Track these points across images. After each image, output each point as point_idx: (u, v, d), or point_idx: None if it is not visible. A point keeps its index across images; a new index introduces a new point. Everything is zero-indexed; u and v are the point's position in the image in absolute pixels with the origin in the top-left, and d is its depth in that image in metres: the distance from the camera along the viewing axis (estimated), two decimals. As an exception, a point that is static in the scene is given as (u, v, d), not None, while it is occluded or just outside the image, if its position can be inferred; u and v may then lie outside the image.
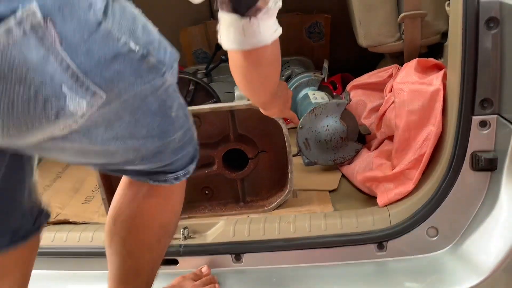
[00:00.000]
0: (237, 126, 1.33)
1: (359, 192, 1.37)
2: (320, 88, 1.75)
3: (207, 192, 1.39)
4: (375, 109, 1.52)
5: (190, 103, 1.81)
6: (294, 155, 1.63)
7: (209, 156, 1.34)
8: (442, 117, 1.15)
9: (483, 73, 1.05)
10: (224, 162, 1.35)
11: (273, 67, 0.93)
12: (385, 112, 1.34)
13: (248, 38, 0.81)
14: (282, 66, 2.19)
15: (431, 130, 1.15)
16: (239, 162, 1.37)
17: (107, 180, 1.30)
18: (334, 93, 2.06)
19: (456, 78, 1.09)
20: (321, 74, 1.76)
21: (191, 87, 1.79)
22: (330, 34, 2.27)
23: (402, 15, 1.44)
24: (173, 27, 2.34)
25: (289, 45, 2.29)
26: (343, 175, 1.47)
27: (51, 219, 0.97)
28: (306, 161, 1.51)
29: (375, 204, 1.26)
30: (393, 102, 1.31)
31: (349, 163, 1.47)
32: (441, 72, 1.18)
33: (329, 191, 1.39)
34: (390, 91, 1.36)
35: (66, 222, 1.36)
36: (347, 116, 1.45)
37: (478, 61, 1.05)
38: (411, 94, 1.18)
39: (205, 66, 2.25)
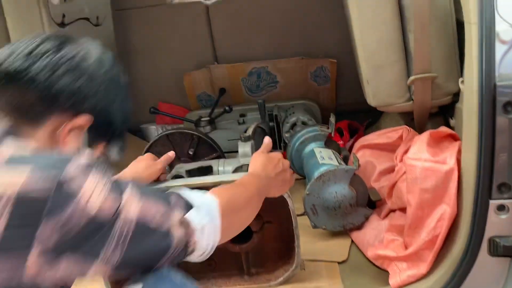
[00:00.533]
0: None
1: (370, 264, 1.32)
2: (327, 143, 1.71)
3: (210, 263, 1.34)
4: (385, 171, 1.46)
5: (193, 157, 1.77)
6: (300, 215, 1.58)
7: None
8: (456, 197, 1.09)
9: (501, 157, 1.00)
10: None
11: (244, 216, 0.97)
12: (396, 182, 1.29)
13: None
14: (286, 111, 2.16)
15: (446, 210, 1.10)
16: (243, 232, 1.32)
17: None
18: (341, 142, 2.02)
19: (472, 160, 1.04)
20: (328, 128, 1.72)
21: (194, 140, 1.75)
22: (336, 77, 2.23)
23: (412, 78, 1.40)
24: (177, 71, 2.31)
25: (294, 87, 2.26)
26: (352, 241, 1.42)
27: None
28: (313, 224, 1.46)
29: (386, 279, 1.20)
30: (404, 173, 1.26)
31: (359, 228, 1.42)
32: (455, 149, 1.14)
33: (339, 263, 1.34)
34: (401, 160, 1.31)
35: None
36: (356, 181, 1.40)
37: (495, 145, 1.01)
38: (424, 172, 1.13)
39: (209, 110, 2.21)
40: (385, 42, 1.42)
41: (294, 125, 2.04)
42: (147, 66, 2.35)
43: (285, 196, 1.21)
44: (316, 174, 1.43)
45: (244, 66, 2.23)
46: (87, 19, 1.85)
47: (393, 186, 1.31)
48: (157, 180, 1.27)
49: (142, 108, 2.42)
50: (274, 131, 2.07)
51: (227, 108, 2.01)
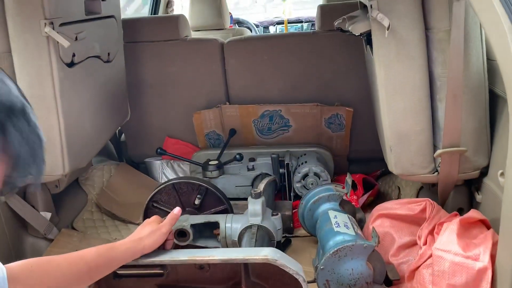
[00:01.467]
0: (250, 274, 1.19)
1: None
2: (341, 203, 1.62)
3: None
4: (405, 246, 1.37)
5: (199, 208, 1.67)
6: (310, 282, 1.49)
7: (217, 305, 1.19)
8: (489, 298, 1.00)
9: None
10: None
11: None
12: (419, 267, 1.19)
13: None
14: (298, 159, 2.08)
15: (476, 311, 1.00)
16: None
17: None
18: (354, 197, 1.93)
19: (509, 260, 0.95)
20: (343, 188, 1.63)
21: (202, 190, 1.66)
22: (351, 125, 2.15)
23: (439, 151, 1.31)
24: (187, 107, 2.24)
25: (306, 133, 2.18)
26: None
27: None
28: (325, 298, 1.36)
29: None
30: (429, 257, 1.16)
31: (373, 307, 1.32)
32: (489, 242, 1.04)
33: None
34: (425, 242, 1.21)
35: None
36: (374, 258, 1.30)
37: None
38: (453, 266, 1.03)
39: (216, 150, 2.13)
40: (413, 110, 1.34)
41: (306, 175, 1.96)
42: (156, 100, 2.28)
43: (300, 280, 1.12)
44: (332, 244, 1.33)
45: (256, 108, 2.15)
46: (98, 56, 1.77)
47: (415, 269, 1.21)
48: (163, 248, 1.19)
49: (148, 141, 2.35)
50: (285, 179, 1.98)
51: (237, 156, 1.92)
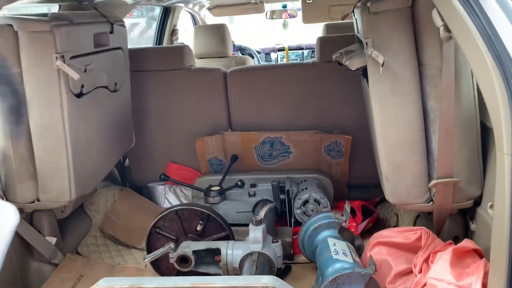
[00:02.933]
0: (252, 301, 1.22)
1: None
2: (340, 231, 1.66)
3: None
4: (401, 273, 1.40)
5: (201, 235, 1.71)
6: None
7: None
8: (482, 327, 1.03)
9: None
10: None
11: None
12: (414, 295, 1.23)
13: None
14: (298, 185, 2.12)
15: None
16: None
17: None
18: (354, 223, 1.97)
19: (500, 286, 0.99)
20: (342, 216, 1.67)
21: (204, 217, 1.70)
22: (350, 152, 2.20)
23: (433, 182, 1.36)
24: (190, 134, 2.30)
25: (306, 159, 2.23)
26: None
27: None
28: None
29: None
30: (424, 285, 1.20)
31: (371, 334, 1.35)
32: (481, 271, 1.08)
33: None
34: (421, 270, 1.25)
35: None
36: (371, 285, 1.34)
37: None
38: (447, 295, 1.07)
39: (218, 176, 2.18)
40: (407, 142, 1.39)
41: (306, 201, 2.00)
42: (160, 126, 2.34)
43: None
44: (331, 272, 1.37)
45: (258, 135, 2.21)
46: (105, 86, 1.84)
47: (411, 298, 1.25)
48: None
49: (152, 166, 2.40)
50: (286, 205, 2.02)
51: (239, 182, 1.97)
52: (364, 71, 1.46)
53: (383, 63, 1.27)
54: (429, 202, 1.44)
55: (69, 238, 1.91)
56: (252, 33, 8.14)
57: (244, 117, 2.26)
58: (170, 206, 2.35)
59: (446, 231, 1.50)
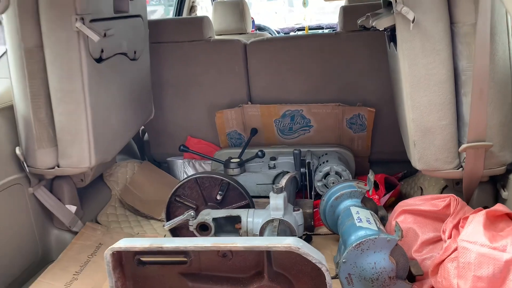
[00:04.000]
0: (273, 263, 1.19)
1: None
2: (363, 200, 1.61)
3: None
4: (428, 242, 1.36)
5: (221, 203, 1.69)
6: (332, 278, 1.49)
7: (239, 293, 1.20)
8: (517, 290, 0.98)
9: None
10: (256, 300, 1.20)
11: None
12: (443, 261, 1.18)
13: None
14: (319, 158, 2.08)
15: (503, 303, 0.98)
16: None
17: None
18: (376, 196, 1.92)
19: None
20: (365, 185, 1.62)
21: (224, 185, 1.67)
22: (373, 126, 2.14)
23: (464, 146, 1.30)
24: (209, 107, 2.27)
25: (328, 133, 2.18)
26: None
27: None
28: (347, 293, 1.35)
29: None
30: (454, 250, 1.15)
31: (396, 302, 1.31)
32: (516, 234, 1.02)
33: None
34: (450, 236, 1.20)
35: None
36: (397, 252, 1.29)
37: None
38: (480, 258, 1.02)
39: (238, 149, 2.14)
40: (437, 104, 1.33)
41: (327, 174, 1.96)
42: (179, 100, 2.31)
43: (323, 269, 1.11)
44: (354, 239, 1.33)
45: (278, 108, 2.17)
46: (124, 54, 1.82)
47: (439, 263, 1.20)
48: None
49: (171, 141, 2.38)
50: (306, 178, 1.98)
51: (259, 153, 1.93)
52: (391, 33, 1.40)
53: (413, 20, 1.21)
54: (458, 169, 1.38)
55: (88, 207, 1.90)
56: (270, 18, 8.04)
57: (264, 89, 2.22)
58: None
59: (475, 200, 1.44)
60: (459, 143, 1.36)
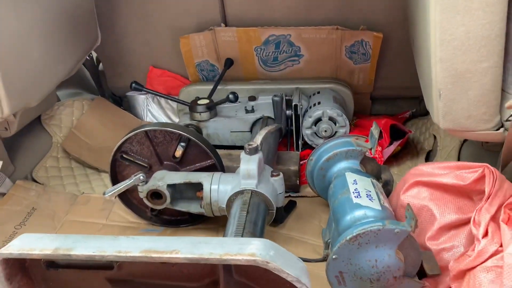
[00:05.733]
0: (233, 271, 0.85)
1: None
2: (363, 161, 1.24)
3: None
4: (448, 226, 1.01)
5: (180, 162, 1.31)
6: (319, 260, 1.18)
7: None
8: None
9: None
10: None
11: None
12: (474, 268, 0.84)
13: None
14: (309, 98, 1.67)
15: None
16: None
17: None
18: (379, 148, 1.55)
19: None
20: (367, 142, 1.24)
21: (182, 141, 1.29)
22: (379, 55, 1.71)
23: (514, 100, 0.90)
24: (174, 30, 1.81)
25: (322, 64, 1.76)
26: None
27: None
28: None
29: None
30: (491, 255, 0.80)
31: (400, 304, 0.99)
32: None
33: None
34: (486, 232, 0.84)
35: None
36: (407, 245, 0.95)
37: None
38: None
39: (211, 85, 1.73)
40: (480, 37, 0.90)
41: (318, 120, 1.56)
42: (137, 21, 1.84)
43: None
44: (349, 222, 0.99)
45: (259, 32, 1.71)
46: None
47: (468, 270, 0.86)
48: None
49: (130, 71, 1.95)
50: (292, 123, 1.60)
51: (230, 95, 1.51)
52: None
53: None
54: (498, 129, 0.99)
55: (21, 161, 1.53)
56: None
57: (242, 8, 1.73)
58: (154, 121, 1.95)
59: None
60: (504, 95, 0.96)
